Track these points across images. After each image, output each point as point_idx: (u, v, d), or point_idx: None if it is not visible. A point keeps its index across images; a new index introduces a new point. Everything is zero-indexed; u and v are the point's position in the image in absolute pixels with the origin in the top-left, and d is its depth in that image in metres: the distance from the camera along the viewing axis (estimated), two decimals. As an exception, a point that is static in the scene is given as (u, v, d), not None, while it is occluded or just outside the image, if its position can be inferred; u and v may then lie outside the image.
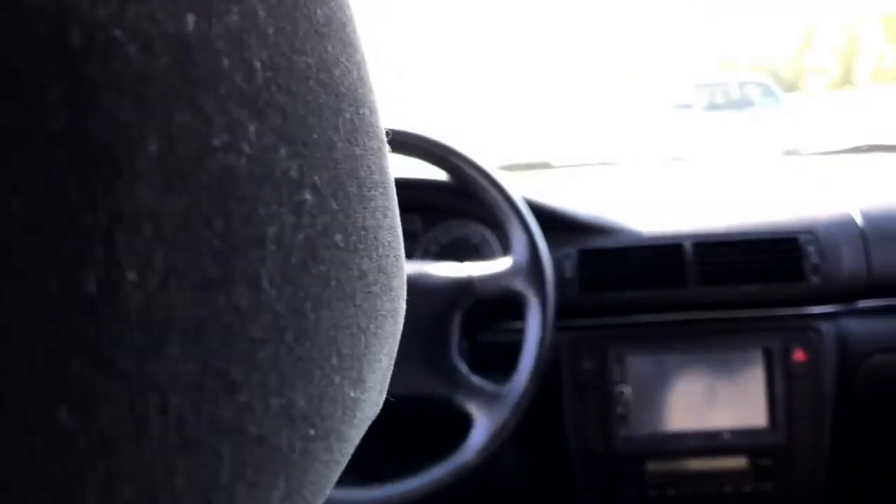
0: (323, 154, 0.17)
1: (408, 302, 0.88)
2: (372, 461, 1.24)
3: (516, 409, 0.95)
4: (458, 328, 1.00)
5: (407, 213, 1.33)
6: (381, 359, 0.22)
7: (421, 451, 1.01)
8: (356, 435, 0.21)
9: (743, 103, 9.13)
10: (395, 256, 0.22)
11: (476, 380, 0.97)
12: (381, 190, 0.21)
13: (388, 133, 0.81)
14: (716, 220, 1.22)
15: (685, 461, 1.19)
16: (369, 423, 0.22)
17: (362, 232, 0.19)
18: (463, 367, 0.98)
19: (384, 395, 0.25)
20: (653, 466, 1.19)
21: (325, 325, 0.17)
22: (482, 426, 0.95)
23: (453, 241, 1.32)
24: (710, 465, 1.19)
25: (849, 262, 1.17)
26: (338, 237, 0.18)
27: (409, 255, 1.31)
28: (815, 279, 1.16)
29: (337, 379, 0.18)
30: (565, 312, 1.20)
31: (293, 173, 0.16)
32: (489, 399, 0.96)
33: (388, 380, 0.25)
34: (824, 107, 24.61)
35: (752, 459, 1.18)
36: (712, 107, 9.15)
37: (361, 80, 0.21)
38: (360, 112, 0.20)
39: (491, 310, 1.13)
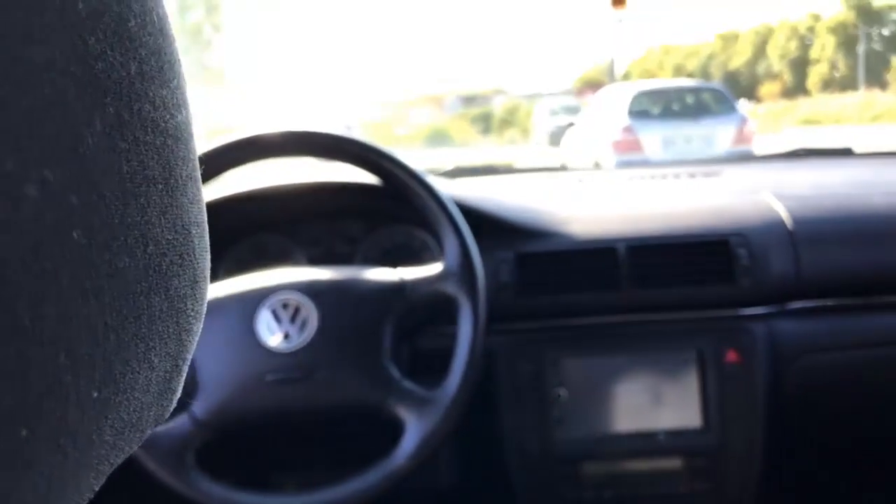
0: (59, 148, 0.16)
1: (338, 307, 0.86)
2: (307, 469, 1.22)
3: (448, 414, 0.95)
4: (391, 333, 0.99)
5: (348, 218, 1.32)
6: (152, 361, 0.21)
7: (357, 458, 1.00)
8: (115, 437, 0.20)
9: (698, 111, 9.28)
10: (178, 255, 0.21)
11: (408, 385, 0.97)
12: (158, 187, 0.20)
13: (317, 138, 0.80)
14: (649, 224, 1.23)
15: (621, 462, 1.20)
16: (149, 426, 0.22)
17: (120, 228, 0.18)
18: (395, 373, 0.97)
19: (173, 400, 0.23)
20: (589, 468, 1.20)
21: (47, 322, 0.16)
22: (413, 431, 0.95)
23: (395, 245, 1.31)
24: (645, 467, 1.20)
25: (778, 264, 1.20)
26: (76, 233, 0.17)
27: (350, 259, 1.30)
28: (745, 281, 1.18)
29: (68, 378, 0.17)
30: (502, 316, 1.20)
31: (10, 166, 0.15)
32: (421, 404, 0.96)
33: (179, 384, 0.23)
34: (777, 113, 25.29)
35: (686, 460, 1.20)
36: (667, 114, 9.27)
37: (144, 75, 0.20)
38: (135, 107, 0.19)
39: (429, 314, 1.13)
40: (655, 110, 9.41)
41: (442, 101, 34.65)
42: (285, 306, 0.97)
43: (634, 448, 1.19)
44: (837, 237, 1.22)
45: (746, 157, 1.71)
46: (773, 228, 1.22)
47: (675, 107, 9.53)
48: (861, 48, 35.57)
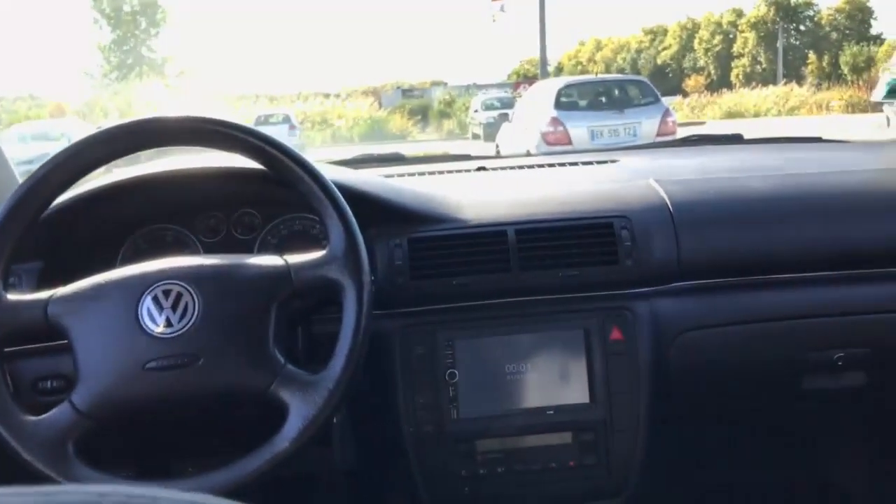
0: None
1: (221, 294, 0.87)
2: (207, 456, 1.22)
3: (331, 397, 0.96)
4: (276, 318, 1.00)
5: (247, 206, 1.32)
6: None
7: (253, 443, 1.00)
8: None
9: (623, 103, 9.50)
10: None
11: (291, 369, 0.98)
12: None
13: (197, 125, 0.80)
14: (539, 208, 1.27)
15: (514, 439, 1.24)
16: None
17: None
18: (280, 357, 0.98)
19: None
20: (483, 446, 1.24)
21: None
22: (296, 415, 0.96)
23: (294, 232, 1.32)
24: (537, 442, 1.24)
25: (660, 246, 1.25)
26: None
27: (250, 248, 1.30)
28: (628, 262, 1.23)
29: None
30: (397, 299, 1.23)
31: None
32: (304, 388, 0.97)
33: None
34: (702, 106, 26.03)
35: (575, 434, 1.24)
36: (594, 106, 9.47)
37: None
38: None
39: (318, 299, 1.14)
40: (582, 103, 9.60)
41: (380, 93, 34.46)
42: (167, 294, 0.96)
43: (526, 425, 1.23)
44: (716, 220, 1.28)
45: (646, 145, 1.77)
46: (655, 212, 1.27)
47: (602, 99, 9.74)
48: (780, 43, 36.94)
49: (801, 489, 1.65)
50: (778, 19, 38.66)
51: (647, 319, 1.25)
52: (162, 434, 1.26)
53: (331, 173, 1.22)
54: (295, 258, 1.03)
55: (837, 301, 1.29)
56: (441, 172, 1.60)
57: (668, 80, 40.64)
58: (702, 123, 18.45)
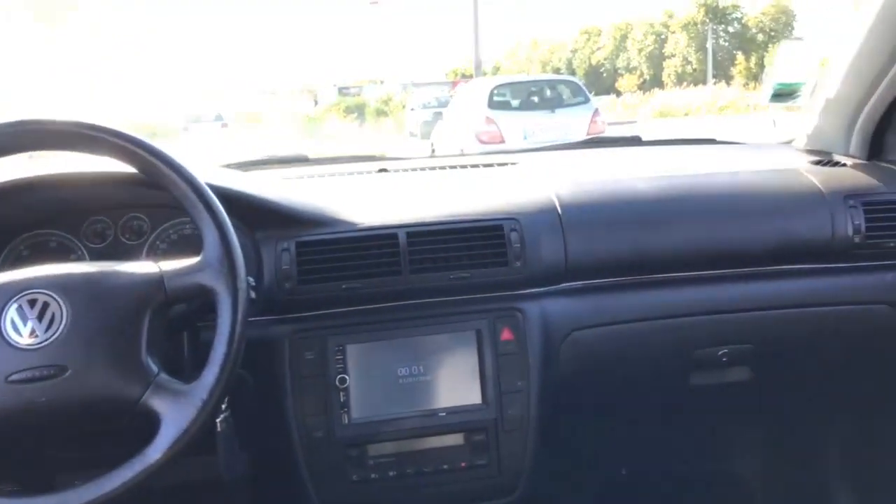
0: None
1: (90, 303, 0.84)
2: (94, 468, 1.19)
3: (204, 406, 0.94)
4: (149, 326, 0.97)
5: (135, 211, 1.29)
6: None
7: (117, 455, 0.98)
8: None
9: (555, 102, 9.64)
10: None
11: (164, 379, 0.96)
12: None
13: (67, 126, 0.77)
14: (432, 211, 1.28)
15: (406, 442, 1.24)
16: None
17: None
18: (153, 366, 0.96)
19: None
20: (375, 450, 1.24)
21: None
22: (169, 425, 0.94)
23: (184, 237, 1.29)
24: (429, 445, 1.25)
25: (548, 247, 1.27)
26: None
27: (138, 253, 1.27)
28: (517, 264, 1.25)
29: None
30: (285, 304, 1.22)
31: None
32: (177, 397, 0.95)
33: None
34: (635, 105, 26.62)
35: (467, 436, 1.25)
36: (526, 106, 9.57)
37: None
38: None
39: (199, 306, 1.12)
40: (515, 102, 9.69)
41: (316, 91, 34.14)
42: (32, 304, 0.93)
43: (418, 427, 1.24)
44: (603, 222, 1.31)
45: (549, 147, 1.80)
46: (544, 214, 1.29)
47: (534, 99, 9.85)
48: (709, 44, 38.04)
49: (694, 481, 1.70)
50: (707, 21, 39.78)
51: (537, 320, 1.27)
52: (42, 447, 1.22)
53: (216, 177, 1.20)
54: (169, 265, 1.00)
55: (721, 299, 1.34)
56: (342, 174, 1.59)
57: (602, 79, 41.44)
58: (632, 122, 18.86)
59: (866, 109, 1.44)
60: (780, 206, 1.34)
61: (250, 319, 1.22)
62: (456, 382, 1.25)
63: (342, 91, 34.56)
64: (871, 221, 1.33)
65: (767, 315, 1.35)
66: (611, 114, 20.25)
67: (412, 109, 21.64)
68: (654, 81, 38.88)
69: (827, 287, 1.35)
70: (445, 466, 1.25)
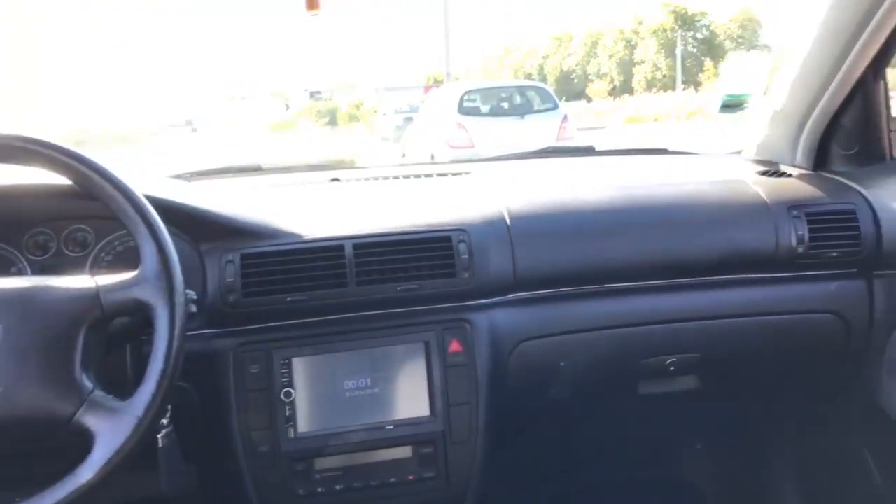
0: None
1: (23, 319, 0.82)
2: (36, 486, 1.16)
3: (140, 423, 0.93)
4: (85, 342, 0.96)
5: (79, 222, 1.26)
6: None
7: (51, 475, 0.96)
8: None
9: (524, 108, 9.70)
10: None
11: (99, 396, 0.94)
12: None
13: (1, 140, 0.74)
14: (380, 222, 1.27)
15: (353, 456, 1.23)
16: None
17: None
18: (88, 384, 0.94)
19: None
20: (322, 464, 1.22)
21: None
22: (102, 443, 0.92)
23: (129, 249, 1.27)
24: (376, 458, 1.24)
25: (497, 258, 1.27)
26: None
27: (82, 265, 1.25)
28: (465, 275, 1.25)
29: None
30: (230, 317, 1.20)
31: None
32: (111, 414, 0.93)
33: None
34: (605, 111, 26.86)
35: (415, 448, 1.25)
36: (496, 111, 9.62)
37: None
38: None
39: (140, 321, 1.10)
40: (485, 108, 9.73)
41: (288, 96, 33.97)
42: None
43: (365, 441, 1.23)
44: (551, 233, 1.31)
45: (503, 157, 1.80)
46: (493, 225, 1.29)
47: (504, 105, 9.90)
48: (678, 51, 38.53)
49: (645, 490, 1.71)
50: (676, 27, 40.29)
51: (486, 331, 1.27)
52: None
53: (159, 189, 1.19)
54: (105, 279, 0.99)
55: (668, 309, 1.35)
56: (294, 184, 1.58)
57: (573, 85, 41.74)
58: (602, 128, 19.02)
59: (811, 120, 1.47)
60: (726, 216, 1.36)
61: (194, 332, 1.21)
62: (404, 395, 1.24)
63: (314, 95, 34.41)
64: (815, 231, 1.35)
65: (713, 324, 1.36)
66: (582, 119, 20.42)
67: (384, 114, 21.63)
68: (624, 87, 39.27)
69: (772, 296, 1.37)
70: (393, 479, 1.24)
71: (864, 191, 1.39)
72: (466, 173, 1.60)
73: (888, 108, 1.43)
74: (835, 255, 1.36)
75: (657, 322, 1.35)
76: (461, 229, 1.27)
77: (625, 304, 1.33)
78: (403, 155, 10.90)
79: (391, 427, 1.23)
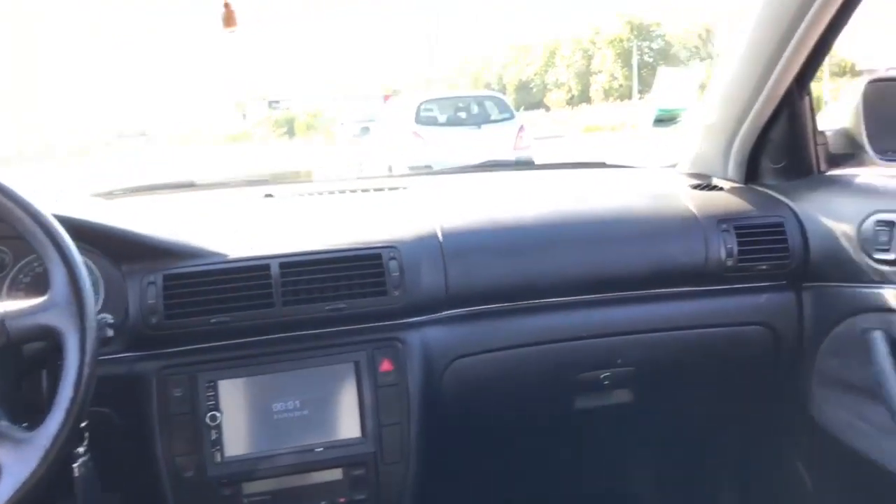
0: None
1: None
2: None
3: (47, 454, 0.89)
4: None
5: None
6: None
7: None
8: None
9: (481, 118, 9.75)
10: None
11: (4, 426, 0.90)
12: None
13: None
14: (308, 240, 1.25)
15: (282, 480, 1.21)
16: None
17: None
18: None
19: None
20: (250, 488, 1.20)
21: None
22: (10, 474, 0.88)
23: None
24: (306, 481, 1.21)
25: (428, 275, 1.26)
26: None
27: None
28: (396, 293, 1.23)
29: None
30: (152, 340, 1.17)
31: None
32: (18, 445, 0.89)
33: None
34: (563, 121, 27.15)
35: (346, 470, 1.23)
36: (453, 121, 9.65)
37: None
38: None
39: (52, 348, 1.06)
40: (442, 118, 9.76)
41: (245, 105, 33.66)
42: None
43: (295, 464, 1.20)
44: (483, 249, 1.31)
45: (443, 171, 1.80)
46: (425, 242, 1.28)
47: (461, 115, 9.94)
48: (635, 60, 39.16)
49: (586, 503, 1.71)
50: (632, 37, 40.95)
51: (418, 349, 1.26)
52: None
53: (76, 209, 1.15)
54: (12, 305, 0.95)
55: (602, 323, 1.35)
56: (226, 201, 1.55)
57: (532, 94, 42.09)
58: (560, 137, 19.20)
59: (741, 135, 1.49)
60: (657, 231, 1.37)
61: (115, 356, 1.17)
62: (334, 416, 1.22)
63: (272, 105, 34.15)
64: (743, 245, 1.36)
65: (647, 337, 1.37)
66: (541, 128, 20.59)
67: (342, 124, 21.59)
68: (582, 97, 39.73)
69: (704, 309, 1.38)
70: (324, 503, 1.22)
71: (792, 204, 1.41)
72: (403, 188, 1.59)
73: (814, 122, 1.46)
74: (764, 267, 1.37)
75: (591, 336, 1.35)
76: (392, 246, 1.26)
77: (559, 319, 1.33)
78: (361, 164, 10.86)
79: (321, 449, 1.21)
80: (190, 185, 1.70)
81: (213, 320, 1.17)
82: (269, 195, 1.57)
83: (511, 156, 8.75)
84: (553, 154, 11.39)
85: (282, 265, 1.20)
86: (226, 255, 1.21)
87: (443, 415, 1.29)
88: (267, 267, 1.20)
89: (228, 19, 1.52)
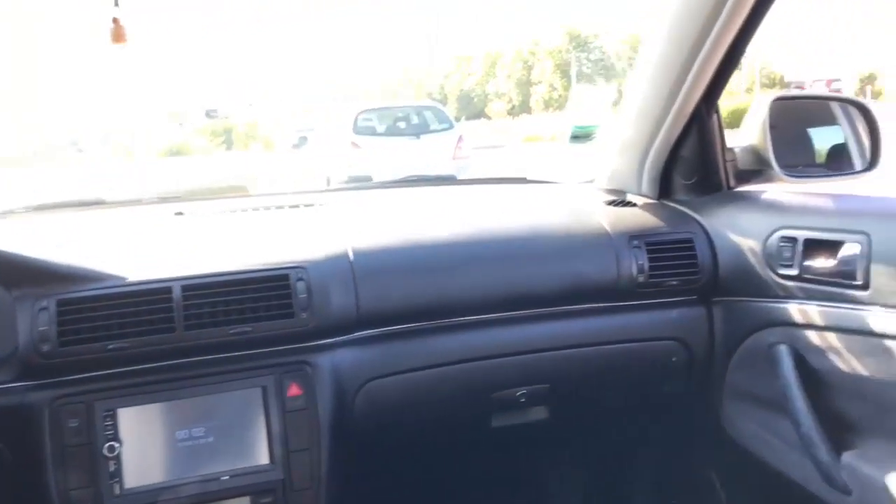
0: None
1: None
2: None
3: None
4: None
5: None
6: None
7: None
8: None
9: (419, 128, 9.75)
10: None
11: None
12: None
13: None
14: (211, 261, 1.21)
15: None
16: None
17: None
18: None
19: None
20: None
21: None
22: None
23: None
24: None
25: (338, 296, 1.23)
26: None
27: None
28: (304, 315, 1.20)
29: None
30: (44, 369, 1.11)
31: None
32: None
33: None
34: (504, 130, 27.40)
35: (253, 499, 1.19)
36: (391, 131, 9.63)
37: None
38: None
39: None
40: (381, 128, 9.73)
41: (182, 116, 32.98)
42: None
43: (200, 493, 1.16)
44: (395, 268, 1.29)
45: (360, 186, 1.78)
46: (335, 261, 1.26)
47: (400, 125, 9.92)
48: (573, 71, 39.86)
49: None
50: (571, 49, 41.69)
51: (329, 372, 1.23)
52: None
53: None
54: None
55: (517, 340, 1.35)
56: (134, 220, 1.50)
57: (473, 104, 42.45)
58: (500, 147, 19.37)
59: (653, 151, 1.51)
60: (570, 247, 1.37)
61: (4, 386, 1.11)
62: (241, 443, 1.18)
63: (209, 114, 33.50)
64: (654, 261, 1.38)
65: (561, 354, 1.37)
66: (481, 138, 20.73)
67: (284, 133, 21.34)
68: (522, 107, 40.24)
69: (617, 325, 1.39)
70: None
71: (701, 219, 1.44)
72: (320, 205, 1.56)
73: (723, 139, 1.49)
74: (674, 282, 1.39)
75: (506, 354, 1.34)
76: (300, 266, 1.22)
77: (473, 338, 1.32)
78: (294, 177, 10.73)
79: (227, 477, 1.17)
80: (98, 203, 1.63)
81: (110, 346, 1.12)
82: (180, 213, 1.52)
83: (450, 165, 8.78)
84: (492, 164, 11.48)
85: (184, 288, 1.16)
86: (125, 278, 1.16)
87: (355, 439, 1.26)
88: (168, 290, 1.15)
89: (117, 35, 1.47)
